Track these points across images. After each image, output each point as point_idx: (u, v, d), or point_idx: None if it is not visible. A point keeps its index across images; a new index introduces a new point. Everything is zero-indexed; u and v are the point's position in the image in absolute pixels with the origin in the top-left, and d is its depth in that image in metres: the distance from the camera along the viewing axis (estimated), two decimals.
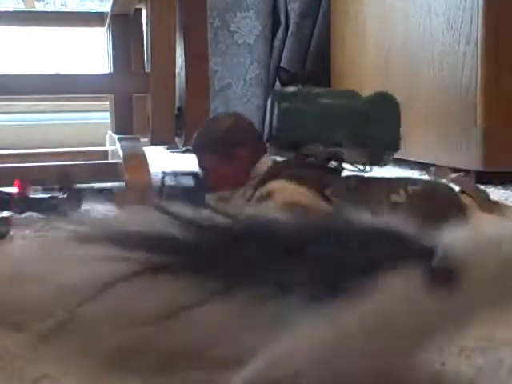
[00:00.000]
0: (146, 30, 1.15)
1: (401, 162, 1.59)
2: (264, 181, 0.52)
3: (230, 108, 2.21)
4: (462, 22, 1.19)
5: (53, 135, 2.04)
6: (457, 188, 0.62)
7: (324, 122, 0.55)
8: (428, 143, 1.33)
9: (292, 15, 2.17)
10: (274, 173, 0.53)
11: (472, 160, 1.17)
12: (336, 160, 0.54)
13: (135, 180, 0.89)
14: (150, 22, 1.03)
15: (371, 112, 0.56)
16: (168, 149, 2.17)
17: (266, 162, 0.55)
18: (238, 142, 0.55)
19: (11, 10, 1.59)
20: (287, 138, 0.56)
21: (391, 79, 1.54)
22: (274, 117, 0.55)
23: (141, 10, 1.54)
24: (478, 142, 1.15)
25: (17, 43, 2.45)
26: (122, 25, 1.46)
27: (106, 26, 1.62)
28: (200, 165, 0.56)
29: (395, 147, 0.58)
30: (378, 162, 0.57)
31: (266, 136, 0.56)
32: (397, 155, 1.55)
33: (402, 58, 1.47)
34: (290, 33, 2.17)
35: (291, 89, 0.57)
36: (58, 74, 1.07)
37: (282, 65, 2.20)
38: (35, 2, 1.45)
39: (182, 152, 2.10)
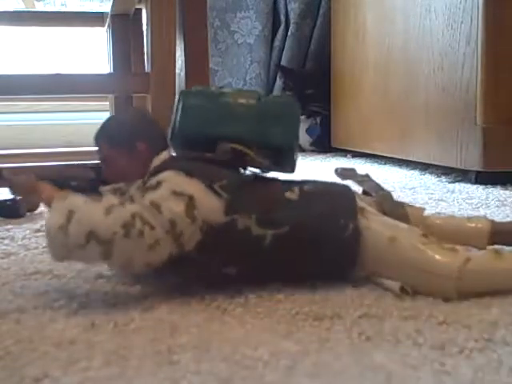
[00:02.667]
0: (146, 30, 1.15)
1: (401, 162, 1.59)
2: (155, 172, 0.52)
3: None
4: (461, 22, 1.19)
5: (53, 135, 2.04)
6: (360, 189, 0.61)
7: (224, 120, 0.55)
8: (428, 143, 1.34)
9: (292, 15, 2.17)
10: (166, 166, 0.52)
11: (472, 160, 1.17)
12: (236, 158, 0.54)
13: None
14: (150, 22, 1.03)
15: (270, 113, 0.55)
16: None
17: (164, 156, 0.54)
18: (138, 135, 0.54)
19: (11, 10, 1.59)
20: (188, 135, 0.56)
21: (391, 79, 1.54)
22: (178, 114, 0.56)
23: (141, 9, 1.54)
24: (478, 142, 1.15)
25: (17, 43, 2.45)
26: (122, 25, 1.46)
27: (106, 26, 1.62)
28: (100, 156, 0.56)
29: (292, 149, 0.58)
30: (279, 163, 0.57)
31: (169, 134, 0.56)
32: (397, 155, 1.56)
33: (402, 58, 1.47)
34: (289, 33, 2.18)
35: (198, 87, 0.58)
36: (58, 74, 1.07)
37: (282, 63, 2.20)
38: (35, 2, 1.45)
39: None
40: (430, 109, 1.33)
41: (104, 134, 0.56)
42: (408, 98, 1.44)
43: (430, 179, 1.29)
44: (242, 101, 0.55)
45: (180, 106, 0.56)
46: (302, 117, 2.14)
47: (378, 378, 0.36)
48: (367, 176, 0.64)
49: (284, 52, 2.19)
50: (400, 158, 1.51)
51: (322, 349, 0.40)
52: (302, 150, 2.17)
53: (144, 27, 1.49)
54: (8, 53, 2.45)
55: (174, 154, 0.56)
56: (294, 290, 0.52)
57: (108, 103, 1.67)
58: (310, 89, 2.06)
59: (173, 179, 0.50)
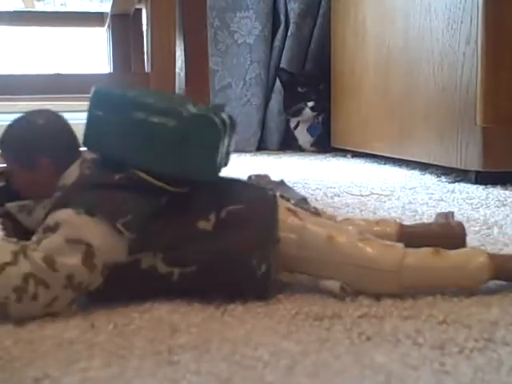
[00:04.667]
0: (146, 30, 1.15)
1: (401, 162, 1.59)
2: (58, 204, 0.47)
3: (230, 108, 2.21)
4: (461, 22, 1.19)
5: None
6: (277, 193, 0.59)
7: (133, 142, 0.48)
8: (428, 143, 1.34)
9: (292, 15, 2.17)
10: (70, 196, 0.48)
11: (472, 160, 1.17)
12: (146, 184, 0.48)
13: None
14: (150, 22, 1.03)
15: (187, 136, 0.48)
16: None
17: (75, 171, 0.49)
18: (38, 150, 0.50)
19: (11, 10, 1.60)
20: (93, 150, 0.50)
21: (391, 79, 1.54)
22: (86, 121, 0.50)
23: (141, 10, 1.54)
24: (478, 142, 1.15)
25: (17, 43, 2.45)
26: (122, 25, 1.46)
27: (106, 26, 1.62)
28: (6, 166, 0.51)
29: (210, 176, 0.50)
30: (197, 187, 0.50)
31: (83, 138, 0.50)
32: (397, 155, 1.56)
33: (402, 58, 1.47)
34: (289, 33, 2.18)
35: (116, 90, 0.50)
36: (58, 74, 1.07)
37: (281, 64, 2.20)
38: (35, 2, 1.45)
39: None
40: (430, 109, 1.33)
41: (7, 142, 0.51)
42: (408, 98, 1.44)
43: (430, 179, 1.29)
44: (158, 120, 0.48)
45: (87, 114, 0.50)
46: (291, 117, 2.14)
47: (378, 377, 0.36)
48: (282, 182, 0.63)
49: (284, 52, 2.19)
50: (400, 157, 1.51)
51: (322, 349, 0.40)
52: (302, 150, 2.17)
53: (144, 27, 1.49)
54: (8, 53, 2.45)
55: (84, 172, 0.50)
56: (294, 290, 0.52)
57: None
58: (303, 87, 2.06)
59: (70, 223, 0.46)
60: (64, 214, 0.47)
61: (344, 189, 1.15)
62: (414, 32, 1.40)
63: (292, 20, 2.17)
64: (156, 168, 0.48)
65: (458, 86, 1.21)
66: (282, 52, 2.20)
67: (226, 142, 0.50)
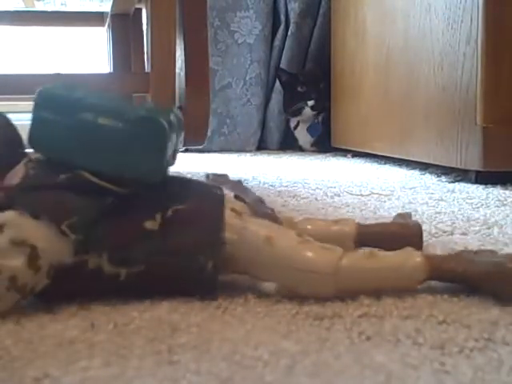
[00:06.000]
0: (146, 29, 1.15)
1: (401, 162, 1.59)
2: (3, 205, 0.47)
3: (230, 108, 2.22)
4: (462, 22, 1.19)
5: None
6: (232, 194, 0.58)
7: (78, 143, 0.48)
8: (428, 143, 1.34)
9: (292, 15, 2.18)
10: (14, 197, 0.47)
11: (472, 160, 1.17)
12: (92, 185, 0.48)
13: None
14: (150, 22, 1.03)
15: (134, 138, 0.48)
16: None
17: (20, 170, 0.49)
18: None
19: (11, 9, 1.60)
20: (38, 150, 0.49)
21: (391, 79, 1.54)
22: (31, 122, 0.49)
23: (141, 9, 1.54)
24: (478, 142, 1.15)
25: (17, 43, 2.45)
26: (122, 25, 1.46)
27: (106, 26, 1.63)
28: None
29: (156, 177, 0.49)
30: (142, 188, 0.50)
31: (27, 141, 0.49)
32: (397, 155, 1.56)
33: (402, 58, 1.47)
34: (289, 32, 2.18)
35: (62, 91, 0.49)
36: (58, 74, 1.07)
37: (281, 64, 2.21)
38: (35, 2, 1.45)
39: (182, 152, 2.10)
40: (430, 109, 1.33)
41: None
42: (408, 98, 1.44)
43: (429, 179, 1.29)
44: (104, 121, 0.48)
45: (32, 115, 0.49)
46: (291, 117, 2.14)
47: (378, 377, 0.36)
48: (239, 182, 0.63)
49: (284, 52, 2.19)
50: (400, 157, 1.51)
51: (322, 348, 0.40)
52: (302, 150, 2.18)
53: (144, 27, 1.49)
54: (8, 53, 2.46)
55: (29, 172, 0.49)
56: None
57: None
58: (303, 87, 2.07)
59: (15, 225, 0.46)
60: (8, 217, 0.46)
61: (344, 188, 1.15)
62: (414, 32, 1.40)
63: (292, 20, 2.17)
64: (102, 169, 0.48)
65: (458, 86, 1.21)
66: (282, 52, 2.20)
67: (173, 142, 0.50)
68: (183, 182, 0.54)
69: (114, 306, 0.49)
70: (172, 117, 0.50)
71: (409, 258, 0.49)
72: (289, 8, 2.17)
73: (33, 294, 0.47)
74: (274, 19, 2.21)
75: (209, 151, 2.14)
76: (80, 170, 0.48)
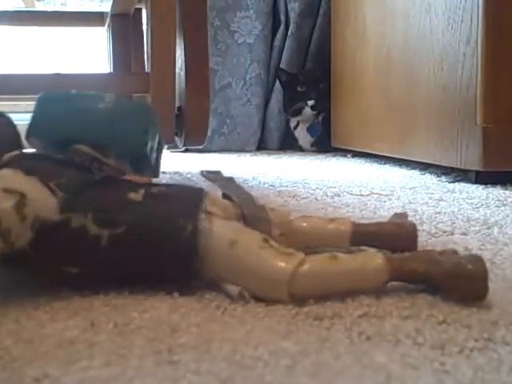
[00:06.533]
0: (146, 29, 1.15)
1: (401, 162, 1.59)
2: None
3: (230, 108, 2.22)
4: (462, 22, 1.19)
5: None
6: (220, 193, 0.59)
7: (75, 124, 0.54)
8: (428, 143, 1.34)
9: (292, 15, 2.18)
10: (8, 162, 0.51)
11: (472, 160, 1.17)
12: (86, 160, 0.53)
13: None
14: (150, 22, 1.03)
15: (122, 116, 0.55)
16: (168, 148, 2.17)
17: (14, 153, 0.53)
18: None
19: (11, 9, 1.60)
20: (41, 138, 0.55)
21: (391, 79, 1.54)
22: (32, 118, 0.54)
23: (141, 9, 1.54)
24: (478, 142, 1.15)
25: (17, 43, 2.45)
26: (122, 25, 1.46)
27: (106, 26, 1.63)
28: None
29: (144, 154, 0.55)
30: (136, 168, 0.56)
31: (26, 133, 0.55)
32: (397, 155, 1.56)
33: (402, 58, 1.47)
34: (289, 32, 2.18)
35: (54, 92, 0.56)
36: (58, 74, 1.07)
37: (281, 64, 2.21)
38: (35, 2, 1.45)
39: (182, 152, 2.10)
40: (430, 109, 1.33)
41: None
42: (408, 98, 1.44)
43: (430, 179, 1.29)
44: (93, 105, 0.54)
45: (34, 110, 0.55)
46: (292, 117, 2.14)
47: (378, 377, 0.36)
48: (231, 179, 0.63)
49: (284, 52, 2.19)
50: (400, 157, 1.51)
51: (322, 348, 0.40)
52: (302, 150, 2.18)
53: (144, 27, 1.49)
54: (8, 53, 2.46)
55: (26, 152, 0.54)
56: None
57: None
58: (303, 86, 2.07)
59: (7, 177, 0.49)
60: (3, 171, 0.50)
61: (344, 188, 1.15)
62: (414, 32, 1.40)
63: (292, 20, 2.17)
64: (95, 142, 0.53)
65: (458, 86, 1.21)
66: (281, 52, 2.20)
67: (155, 137, 0.56)
68: (168, 183, 0.57)
69: (114, 306, 0.49)
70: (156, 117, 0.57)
71: (370, 260, 0.49)
72: (289, 8, 2.17)
73: (16, 247, 0.48)
74: (274, 19, 2.21)
75: (209, 151, 2.14)
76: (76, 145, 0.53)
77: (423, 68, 1.35)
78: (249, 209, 0.57)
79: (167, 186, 0.55)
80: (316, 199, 1.04)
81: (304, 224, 0.60)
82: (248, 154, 2.08)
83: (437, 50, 1.29)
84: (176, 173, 1.46)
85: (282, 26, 2.19)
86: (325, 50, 2.10)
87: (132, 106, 0.57)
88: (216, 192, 0.58)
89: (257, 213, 0.57)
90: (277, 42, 2.20)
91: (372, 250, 0.51)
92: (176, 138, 1.14)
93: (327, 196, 1.07)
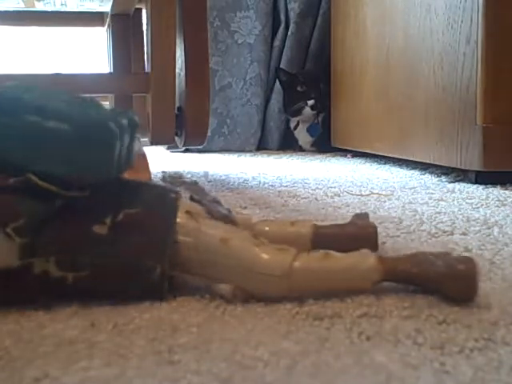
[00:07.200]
0: (146, 29, 1.15)
1: (401, 162, 1.59)
2: None
3: (230, 108, 2.22)
4: (462, 22, 1.19)
5: None
6: (187, 195, 0.58)
7: (25, 145, 0.48)
8: (428, 143, 1.34)
9: (292, 15, 2.18)
10: None
11: (472, 160, 1.17)
12: (39, 187, 0.47)
13: (132, 176, 0.89)
14: (150, 22, 1.03)
15: (82, 140, 0.48)
16: (168, 148, 2.17)
17: None
18: None
19: (11, 9, 1.60)
20: None
21: (391, 79, 1.54)
22: None
23: (141, 9, 1.54)
24: (478, 142, 1.15)
25: (17, 43, 2.45)
26: (122, 25, 1.46)
27: (106, 25, 1.63)
28: None
29: (107, 174, 0.49)
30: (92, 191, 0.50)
31: None
32: (397, 155, 1.56)
33: (402, 58, 1.47)
34: (289, 32, 2.18)
35: (10, 93, 0.49)
36: (58, 74, 1.07)
37: (281, 64, 2.21)
38: (35, 2, 1.45)
39: (182, 152, 2.10)
40: (430, 109, 1.33)
41: None
42: (408, 98, 1.44)
43: (429, 179, 1.29)
44: (52, 124, 0.48)
45: None
46: (292, 117, 2.14)
47: (378, 377, 0.36)
48: (195, 183, 0.63)
49: (284, 52, 2.19)
50: (400, 157, 1.51)
51: (322, 349, 0.40)
52: (302, 150, 2.18)
53: (144, 27, 1.49)
54: (8, 53, 2.46)
55: None
56: None
57: (108, 103, 1.67)
58: (303, 86, 2.07)
59: None
60: None
61: (344, 188, 1.15)
62: (414, 32, 1.40)
63: (292, 20, 2.17)
64: (50, 171, 0.48)
65: (458, 85, 1.21)
66: (282, 52, 2.20)
67: (124, 144, 0.50)
68: (137, 186, 0.53)
69: (114, 306, 0.49)
70: (124, 120, 0.50)
71: (363, 260, 0.49)
72: (289, 8, 2.17)
73: None
74: (274, 19, 2.21)
75: (209, 151, 2.14)
76: (29, 172, 0.47)
77: (423, 68, 1.35)
78: (216, 211, 0.57)
79: (138, 203, 0.51)
80: (316, 199, 1.04)
81: (266, 228, 0.60)
82: (248, 154, 2.08)
83: (437, 50, 1.29)
84: (176, 173, 1.46)
85: (282, 26, 2.19)
86: (325, 50, 2.10)
87: (91, 125, 0.49)
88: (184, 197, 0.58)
89: (224, 215, 0.57)
90: (277, 42, 2.20)
91: (365, 250, 0.51)
92: (176, 138, 1.14)
93: (327, 196, 1.07)
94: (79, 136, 0.48)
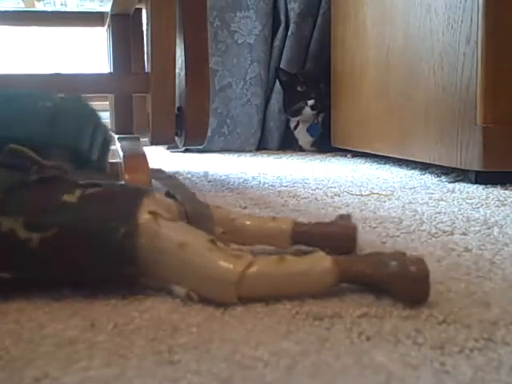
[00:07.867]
0: (146, 29, 1.15)
1: (401, 162, 1.59)
2: None
3: (230, 108, 2.22)
4: (462, 22, 1.19)
5: None
6: (164, 188, 0.59)
7: (11, 123, 0.55)
8: (428, 143, 1.34)
9: (292, 15, 2.18)
10: None
11: (472, 160, 1.17)
12: (23, 160, 0.52)
13: (135, 180, 0.89)
14: (150, 22, 1.03)
15: (61, 115, 0.56)
16: (168, 148, 2.17)
17: None
18: None
19: (11, 9, 1.59)
20: None
21: (391, 79, 1.54)
22: None
23: (141, 9, 1.54)
24: (478, 142, 1.15)
25: (17, 43, 2.45)
26: (122, 25, 1.46)
27: (106, 26, 1.62)
28: None
29: (81, 151, 0.56)
30: (80, 167, 0.56)
31: None
32: (397, 155, 1.56)
33: (402, 58, 1.47)
34: (289, 32, 2.18)
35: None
36: (58, 74, 1.07)
37: (281, 64, 2.21)
38: (35, 2, 1.45)
39: (182, 152, 2.10)
40: (430, 109, 1.33)
41: None
42: (408, 98, 1.44)
43: (430, 179, 1.29)
44: (31, 104, 0.56)
45: None
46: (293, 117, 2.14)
47: (378, 377, 0.36)
48: (174, 177, 0.64)
49: (284, 52, 2.19)
50: (400, 157, 1.51)
51: (322, 349, 0.40)
52: (302, 150, 2.18)
53: (144, 27, 1.49)
54: (8, 53, 2.46)
55: None
56: None
57: (108, 103, 1.67)
58: (303, 86, 2.07)
59: None
60: None
61: (344, 188, 1.15)
62: (413, 32, 1.40)
63: (292, 20, 2.17)
64: (33, 142, 0.53)
65: (458, 85, 1.21)
66: (281, 52, 2.20)
67: (97, 136, 0.57)
68: (113, 182, 0.57)
69: (114, 306, 0.49)
70: (100, 121, 0.59)
71: (318, 263, 0.50)
72: (289, 8, 2.17)
73: None
74: (274, 19, 2.21)
75: (209, 151, 2.14)
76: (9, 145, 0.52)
77: (423, 68, 1.35)
78: (192, 207, 0.57)
79: (110, 185, 0.54)
80: (316, 199, 1.04)
81: (247, 222, 0.61)
82: (248, 154, 2.08)
83: (437, 50, 1.29)
84: (176, 173, 1.46)
85: (282, 26, 2.19)
86: (325, 50, 2.10)
87: (70, 105, 0.57)
88: (159, 190, 0.58)
89: (200, 211, 0.57)
90: (277, 42, 2.20)
91: (320, 253, 0.51)
92: (176, 138, 1.14)
93: (327, 196, 1.07)
94: (60, 111, 0.56)
